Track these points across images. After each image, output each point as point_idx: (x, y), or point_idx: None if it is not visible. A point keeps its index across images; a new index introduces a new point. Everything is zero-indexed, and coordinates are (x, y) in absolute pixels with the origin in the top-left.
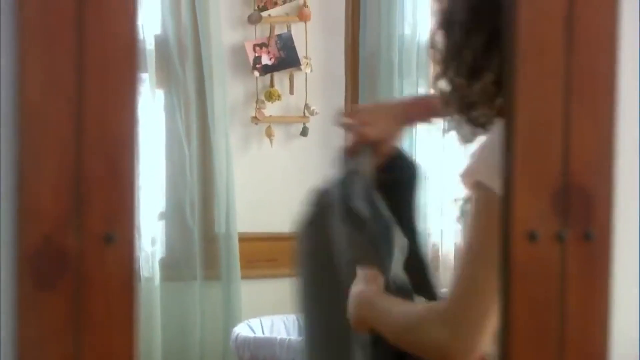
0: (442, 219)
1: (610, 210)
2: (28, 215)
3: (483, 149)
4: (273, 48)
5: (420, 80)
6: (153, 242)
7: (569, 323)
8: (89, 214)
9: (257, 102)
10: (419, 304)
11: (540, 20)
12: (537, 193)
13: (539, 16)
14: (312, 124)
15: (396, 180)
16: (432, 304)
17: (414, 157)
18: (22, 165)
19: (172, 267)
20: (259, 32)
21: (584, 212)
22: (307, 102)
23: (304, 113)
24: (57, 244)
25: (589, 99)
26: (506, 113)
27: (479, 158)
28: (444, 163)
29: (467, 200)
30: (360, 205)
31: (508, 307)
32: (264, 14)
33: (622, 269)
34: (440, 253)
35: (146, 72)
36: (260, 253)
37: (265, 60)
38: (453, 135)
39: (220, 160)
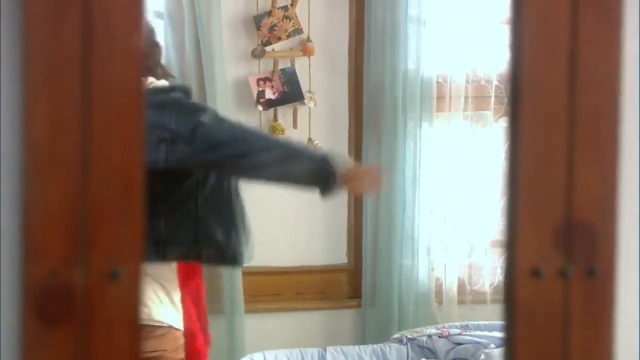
0: (446, 254)
1: (614, 246)
2: (34, 252)
3: None
4: (277, 82)
5: (424, 114)
6: None
7: (573, 358)
8: (95, 251)
9: None
10: None
11: (544, 58)
12: (541, 230)
13: (543, 54)
14: None
15: None
16: None
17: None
18: (29, 203)
19: None
20: (263, 67)
21: (587, 249)
22: (311, 136)
23: None
24: (63, 280)
25: (592, 136)
26: (510, 149)
27: None
28: (449, 201)
29: None
30: None
31: (512, 343)
32: (268, 48)
33: (626, 305)
34: (443, 287)
35: None
36: (264, 287)
37: (269, 94)
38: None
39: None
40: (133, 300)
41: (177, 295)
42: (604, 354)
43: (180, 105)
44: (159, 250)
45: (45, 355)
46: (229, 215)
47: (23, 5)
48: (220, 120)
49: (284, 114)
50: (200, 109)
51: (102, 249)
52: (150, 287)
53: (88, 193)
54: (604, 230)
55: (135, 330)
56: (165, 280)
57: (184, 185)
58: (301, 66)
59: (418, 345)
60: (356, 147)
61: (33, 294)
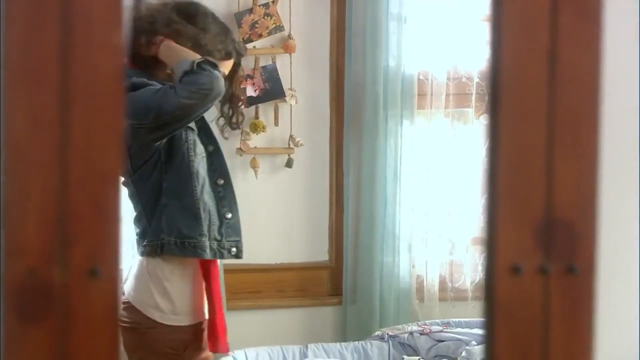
0: (427, 251)
1: (594, 244)
2: (13, 250)
3: None
4: (258, 80)
5: (405, 112)
6: None
7: (553, 356)
8: (73, 249)
9: (242, 133)
10: None
11: (524, 56)
12: (521, 227)
13: (523, 52)
14: (297, 155)
15: None
16: None
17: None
18: (6, 200)
19: None
20: (244, 64)
21: (567, 246)
22: (292, 133)
23: (289, 144)
24: (42, 278)
25: (572, 134)
26: (490, 146)
27: None
28: (430, 199)
29: None
30: None
31: (492, 341)
32: (249, 45)
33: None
34: (424, 284)
35: None
36: (245, 284)
37: (250, 91)
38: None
39: None
40: (112, 298)
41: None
42: (583, 351)
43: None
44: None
45: (24, 352)
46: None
47: (0, 1)
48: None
49: (266, 111)
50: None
51: (81, 246)
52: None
53: (66, 190)
54: (584, 228)
55: (114, 328)
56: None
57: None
58: (282, 63)
59: (399, 343)
60: (337, 144)
61: (11, 292)
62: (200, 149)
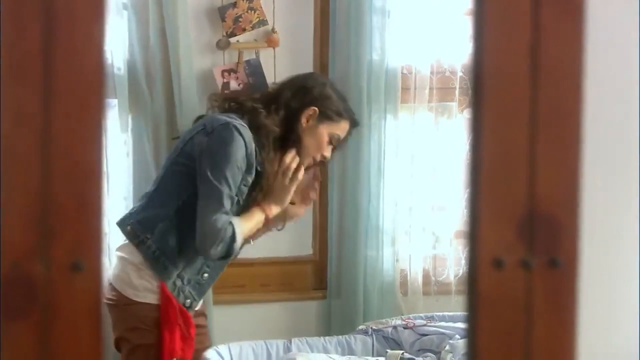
0: (411, 245)
1: (576, 237)
2: None
3: None
4: (241, 74)
5: (388, 106)
6: None
7: (535, 349)
8: (56, 243)
9: None
10: None
11: (506, 51)
12: (503, 221)
13: (505, 47)
14: None
15: None
16: None
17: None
18: None
19: None
20: (228, 58)
21: (550, 240)
22: None
23: None
24: (25, 272)
25: (555, 128)
26: (473, 141)
27: None
28: (414, 193)
29: None
30: None
31: (474, 334)
32: (233, 40)
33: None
34: (408, 278)
35: (115, 97)
36: (229, 279)
37: (234, 86)
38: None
39: None
40: (96, 291)
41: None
42: (566, 344)
43: None
44: None
45: (8, 347)
46: None
47: None
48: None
49: None
50: None
51: (64, 240)
52: None
53: (49, 185)
54: (567, 222)
55: (97, 321)
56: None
57: None
58: (266, 58)
59: (383, 337)
60: None
61: None
62: (246, 198)
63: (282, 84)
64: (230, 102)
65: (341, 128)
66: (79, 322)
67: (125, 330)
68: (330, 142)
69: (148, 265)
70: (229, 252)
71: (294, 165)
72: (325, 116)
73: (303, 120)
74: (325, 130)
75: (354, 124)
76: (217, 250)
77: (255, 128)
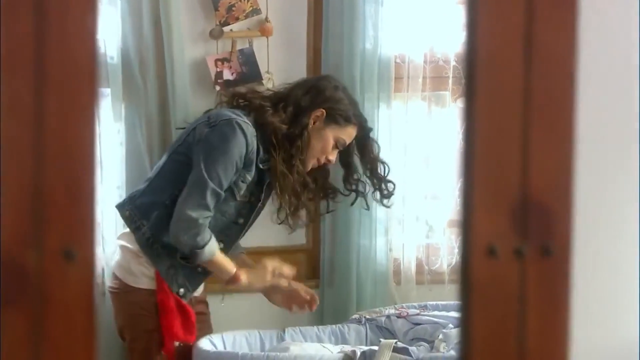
0: (404, 234)
1: (569, 225)
2: None
3: None
4: (235, 63)
5: (381, 95)
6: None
7: (529, 337)
8: (48, 231)
9: None
10: None
11: (500, 39)
12: (497, 209)
13: (498, 36)
14: None
15: None
16: None
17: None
18: None
19: None
20: (221, 47)
21: (543, 228)
22: None
23: None
24: (17, 260)
25: (548, 117)
26: (466, 129)
27: None
28: (407, 182)
29: None
30: None
31: (467, 322)
32: (226, 28)
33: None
34: (401, 267)
35: (108, 86)
36: None
37: (227, 75)
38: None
39: None
40: (88, 280)
41: None
42: (560, 332)
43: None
44: None
45: (0, 334)
46: None
47: None
48: None
49: None
50: None
51: (56, 229)
52: None
53: (41, 173)
54: (560, 210)
55: (90, 310)
56: None
57: None
58: (259, 47)
59: (377, 326)
60: None
61: None
62: (245, 194)
63: (295, 84)
64: (239, 99)
65: (348, 133)
66: (72, 310)
67: (127, 317)
68: (335, 146)
69: (143, 252)
70: (193, 248)
71: (288, 273)
72: (333, 119)
73: (310, 120)
74: (331, 134)
75: (364, 130)
76: (185, 238)
77: (260, 125)
